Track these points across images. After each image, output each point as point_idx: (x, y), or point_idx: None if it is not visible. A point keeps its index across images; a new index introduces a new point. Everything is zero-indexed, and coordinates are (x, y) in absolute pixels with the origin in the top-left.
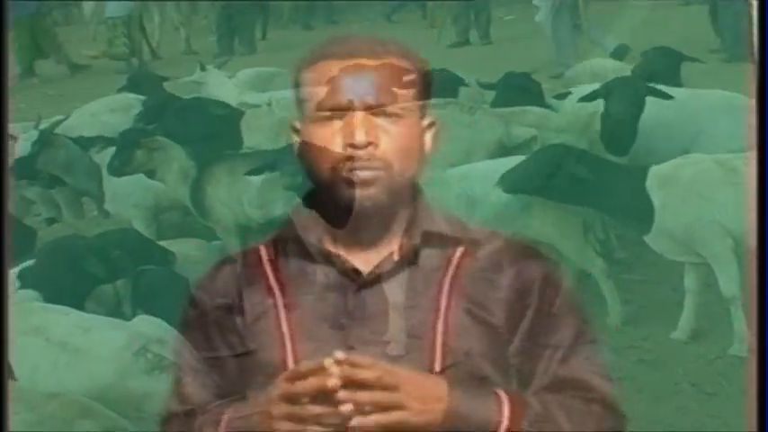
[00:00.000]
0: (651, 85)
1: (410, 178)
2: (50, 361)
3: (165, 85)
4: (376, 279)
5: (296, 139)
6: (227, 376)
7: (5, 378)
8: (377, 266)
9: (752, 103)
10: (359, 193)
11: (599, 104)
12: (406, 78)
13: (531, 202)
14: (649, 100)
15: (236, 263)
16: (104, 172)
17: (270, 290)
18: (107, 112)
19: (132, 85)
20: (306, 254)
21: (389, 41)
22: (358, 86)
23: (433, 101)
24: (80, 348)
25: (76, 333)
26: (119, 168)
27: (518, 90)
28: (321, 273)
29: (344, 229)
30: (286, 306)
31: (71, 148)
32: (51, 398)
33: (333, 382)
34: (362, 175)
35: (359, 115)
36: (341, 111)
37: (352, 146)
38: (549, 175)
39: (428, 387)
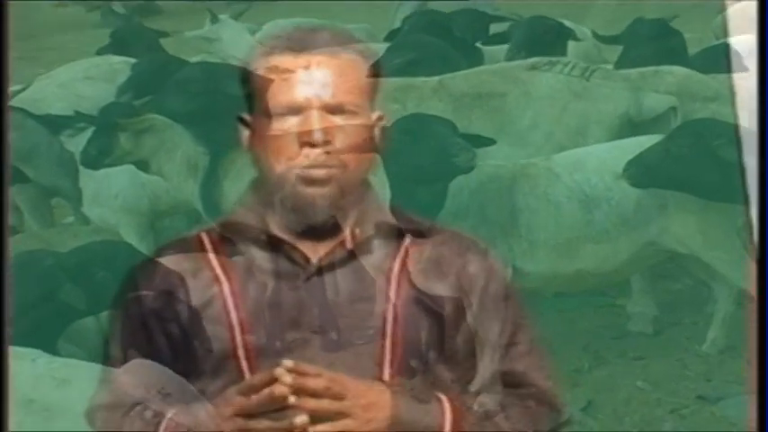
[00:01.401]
0: None
1: (362, 175)
2: (12, 425)
3: (163, 42)
4: (326, 267)
5: (245, 132)
6: (163, 367)
7: (5, 378)
8: (327, 255)
9: None
10: (313, 191)
11: None
12: (361, 74)
13: (667, 200)
14: None
15: (176, 249)
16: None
17: (215, 277)
18: (83, 80)
19: (117, 44)
20: (254, 241)
21: (342, 33)
22: (315, 83)
23: (532, 61)
24: (51, 407)
25: (47, 385)
26: (96, 158)
27: (651, 43)
28: (269, 261)
29: (294, 220)
30: (233, 294)
31: (33, 130)
32: None
33: (281, 389)
34: (318, 173)
35: (315, 113)
36: (297, 108)
37: (309, 144)
38: (693, 163)
39: (373, 395)
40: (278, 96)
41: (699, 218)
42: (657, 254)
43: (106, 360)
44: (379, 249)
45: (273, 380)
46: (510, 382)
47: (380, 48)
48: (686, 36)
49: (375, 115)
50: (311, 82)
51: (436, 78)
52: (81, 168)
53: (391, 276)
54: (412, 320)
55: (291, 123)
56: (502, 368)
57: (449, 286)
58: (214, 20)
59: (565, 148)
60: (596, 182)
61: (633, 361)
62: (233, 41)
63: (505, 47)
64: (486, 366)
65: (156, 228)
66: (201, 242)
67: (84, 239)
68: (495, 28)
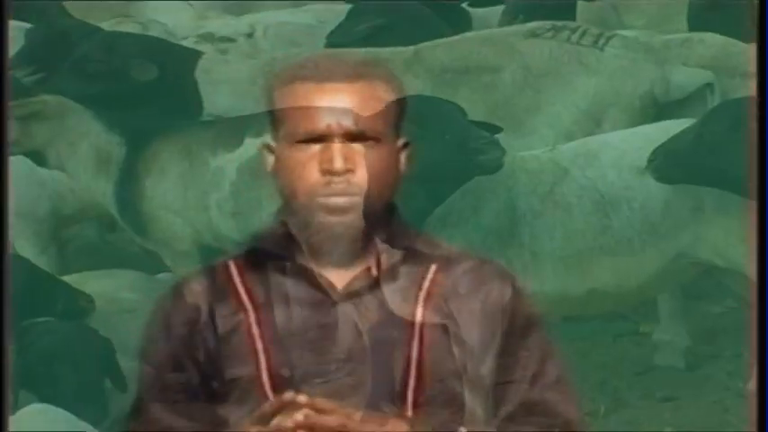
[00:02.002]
0: None
1: (386, 201)
2: None
3: (71, 5)
4: (352, 295)
5: (270, 158)
6: (194, 396)
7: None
8: (352, 282)
9: None
10: (335, 220)
11: None
12: (383, 101)
13: (703, 200)
14: None
15: (204, 276)
16: None
17: (241, 305)
18: None
19: (10, 6)
20: (279, 269)
21: (363, 63)
22: (336, 111)
23: (532, 26)
24: None
25: None
26: None
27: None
28: (295, 288)
29: (319, 247)
30: (258, 321)
31: None
32: None
33: (293, 421)
34: (339, 202)
35: (336, 141)
36: (318, 135)
37: (330, 172)
38: (732, 152)
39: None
40: (299, 124)
41: (742, 222)
42: (691, 268)
43: (140, 388)
44: (405, 276)
45: (284, 406)
46: (537, 411)
47: (340, 10)
48: None
49: (401, 141)
50: (332, 110)
51: (411, 48)
52: None
53: (417, 304)
54: (438, 349)
55: (313, 152)
56: (529, 398)
57: (476, 315)
58: None
59: (574, 137)
60: (614, 179)
61: (661, 403)
62: (156, 3)
63: (499, 9)
64: (512, 396)
65: (61, 237)
66: (228, 270)
67: None
68: None
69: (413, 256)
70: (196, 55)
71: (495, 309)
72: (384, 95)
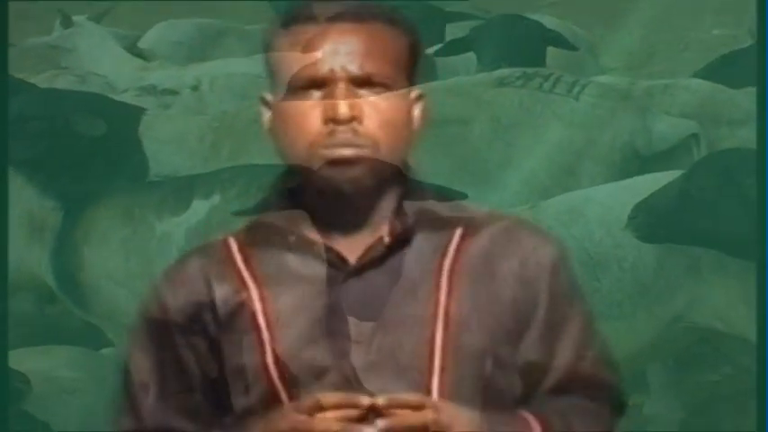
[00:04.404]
0: None
1: (398, 157)
2: None
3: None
4: (364, 267)
5: (267, 114)
6: (191, 386)
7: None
8: (365, 253)
9: None
10: (340, 174)
11: None
12: (394, 45)
13: (699, 259)
14: None
15: (202, 255)
16: None
17: (243, 284)
18: None
19: None
20: (282, 242)
21: (375, 3)
22: (340, 54)
23: (499, 74)
24: None
25: None
26: None
27: (661, 47)
28: (301, 263)
29: (325, 214)
30: (262, 302)
31: None
32: None
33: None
34: (344, 153)
35: (341, 86)
36: (320, 81)
37: (334, 121)
38: (720, 208)
39: (467, 423)
40: (299, 70)
41: (743, 283)
42: (687, 334)
43: (127, 378)
44: (424, 243)
45: (349, 404)
46: (584, 385)
47: None
48: (714, 33)
49: (414, 93)
50: (336, 52)
51: (371, 99)
52: None
53: (441, 275)
54: (467, 323)
55: (314, 99)
56: (576, 371)
57: (510, 285)
58: (66, 23)
59: (550, 193)
60: (601, 237)
61: None
62: (93, 52)
63: (466, 57)
64: (557, 368)
65: None
66: (228, 247)
67: None
68: (453, 31)
69: (434, 221)
70: (138, 111)
71: (533, 277)
72: (396, 40)
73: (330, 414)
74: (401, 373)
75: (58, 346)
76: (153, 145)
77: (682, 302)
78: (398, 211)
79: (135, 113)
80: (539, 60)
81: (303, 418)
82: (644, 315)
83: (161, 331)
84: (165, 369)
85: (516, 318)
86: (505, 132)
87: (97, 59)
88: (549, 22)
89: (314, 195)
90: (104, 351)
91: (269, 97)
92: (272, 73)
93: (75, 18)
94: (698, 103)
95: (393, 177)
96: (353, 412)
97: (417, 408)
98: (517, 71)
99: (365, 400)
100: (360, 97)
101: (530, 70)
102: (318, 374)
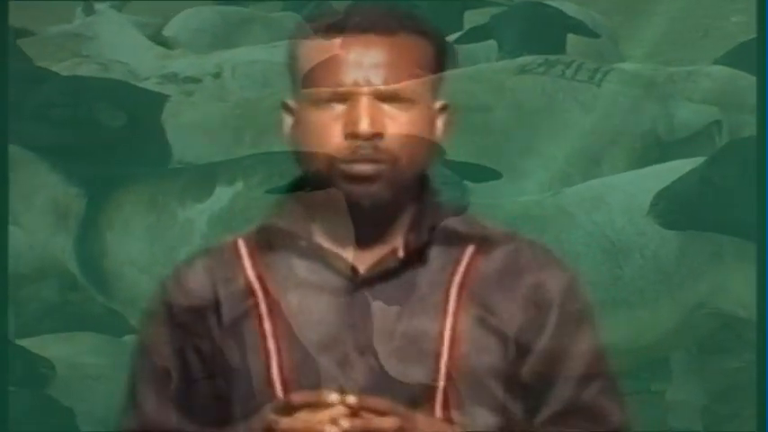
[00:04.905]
0: None
1: (418, 172)
2: None
3: (22, 44)
4: (375, 279)
5: (288, 120)
6: (196, 391)
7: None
8: (376, 264)
9: None
10: (359, 189)
11: None
12: (421, 57)
13: (722, 246)
14: None
15: (210, 257)
16: None
17: (250, 289)
18: None
19: None
20: (293, 249)
21: (403, 12)
22: (364, 65)
23: (522, 61)
24: None
25: None
26: None
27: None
28: (310, 271)
29: (339, 223)
30: (269, 308)
31: None
32: None
33: (341, 429)
34: (364, 169)
35: (364, 100)
36: (343, 94)
37: (355, 135)
38: (740, 196)
39: None
40: (322, 80)
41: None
42: (709, 320)
43: (132, 378)
44: (436, 259)
45: (320, 403)
46: (586, 416)
47: None
48: (733, 20)
49: (438, 104)
50: (360, 64)
51: (394, 114)
52: None
53: (450, 290)
54: (472, 342)
55: (337, 112)
56: (578, 400)
57: (519, 305)
58: (88, 10)
59: (571, 180)
60: (623, 224)
61: None
62: (115, 40)
63: (486, 44)
64: (559, 397)
65: (18, 298)
66: (237, 249)
67: None
68: (471, 18)
69: (447, 236)
70: (162, 98)
71: (543, 300)
72: (423, 52)
73: (303, 414)
74: (407, 388)
75: (82, 333)
76: (176, 132)
77: (704, 289)
78: (414, 226)
79: (158, 100)
80: (559, 48)
81: (273, 417)
82: (666, 302)
83: (166, 332)
84: (168, 370)
85: (522, 339)
86: (527, 119)
87: (119, 47)
88: (569, 9)
89: (329, 207)
90: (127, 338)
91: (292, 104)
92: (295, 80)
93: (96, 6)
94: (720, 90)
95: (411, 190)
96: (338, 410)
97: (383, 414)
98: (539, 58)
99: (333, 398)
100: (383, 112)
101: (552, 57)
102: (323, 385)
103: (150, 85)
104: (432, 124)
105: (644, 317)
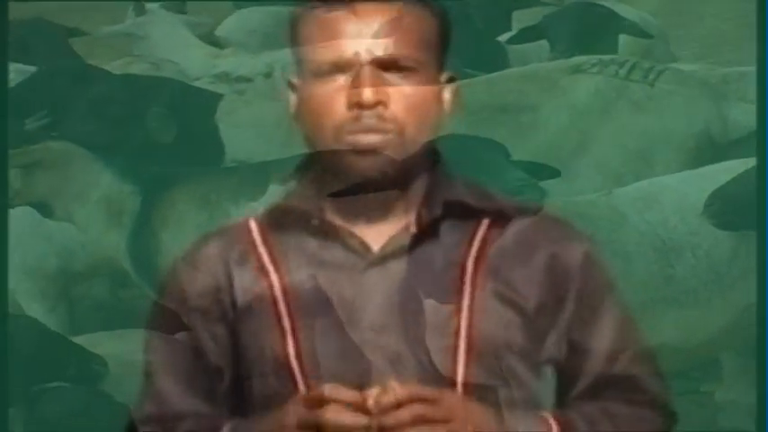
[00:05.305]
0: None
1: (425, 143)
2: None
3: (73, 43)
4: (388, 256)
5: (293, 98)
6: (212, 374)
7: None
8: (389, 241)
9: None
10: (366, 162)
11: None
12: (423, 27)
13: None
14: None
15: (222, 237)
16: None
17: (263, 269)
18: None
19: (12, 45)
20: (304, 228)
21: None
22: (365, 36)
23: (575, 61)
24: None
25: None
26: None
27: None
28: (323, 249)
29: (349, 201)
30: (283, 288)
31: None
32: None
33: (397, 418)
34: (370, 140)
35: (366, 70)
36: (345, 64)
37: (359, 106)
38: None
39: (477, 417)
40: (324, 52)
41: None
42: (761, 321)
43: (147, 363)
44: (450, 233)
45: (355, 399)
46: (622, 387)
47: None
48: None
49: (444, 76)
50: (361, 33)
51: (397, 83)
52: None
53: (466, 265)
54: (490, 318)
55: (339, 84)
56: (611, 372)
57: (537, 278)
58: (139, 11)
59: (624, 180)
60: (676, 223)
61: None
62: (166, 40)
63: (538, 44)
64: (589, 371)
65: (71, 296)
66: (249, 229)
67: None
68: (520, 18)
69: (460, 210)
70: (216, 98)
71: (562, 272)
72: (425, 23)
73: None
74: (424, 365)
75: (134, 330)
76: (230, 130)
77: (756, 289)
78: (426, 201)
79: (212, 99)
80: (612, 48)
81: (308, 411)
82: (718, 302)
83: (179, 315)
84: (184, 353)
85: (542, 313)
86: (580, 119)
87: (170, 47)
88: (620, 9)
89: (339, 181)
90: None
91: (295, 80)
92: (297, 55)
93: (147, 6)
94: None
95: (421, 165)
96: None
97: (432, 402)
98: (593, 58)
99: (370, 397)
100: (386, 81)
101: (605, 57)
102: (339, 365)
103: (202, 84)
104: (437, 94)
105: (695, 317)
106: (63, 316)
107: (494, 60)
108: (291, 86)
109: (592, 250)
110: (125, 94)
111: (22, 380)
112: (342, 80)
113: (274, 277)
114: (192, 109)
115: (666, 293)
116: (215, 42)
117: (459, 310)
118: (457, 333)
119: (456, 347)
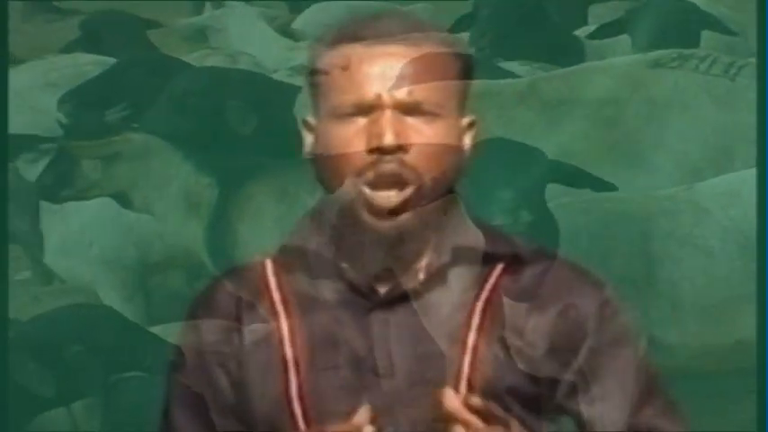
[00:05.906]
0: None
1: (445, 188)
2: None
3: (151, 35)
4: (395, 300)
5: (309, 138)
6: (226, 412)
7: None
8: (396, 285)
9: None
10: (382, 224)
11: None
12: (446, 69)
13: None
14: None
15: (238, 276)
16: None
17: (273, 310)
18: (42, 87)
19: (89, 37)
20: (315, 269)
21: (427, 22)
22: (387, 79)
23: (655, 55)
24: None
25: None
26: (52, 189)
27: None
28: (331, 291)
29: (360, 244)
30: (290, 328)
31: None
32: None
33: None
34: (388, 199)
35: (387, 114)
36: (366, 107)
37: (379, 150)
38: None
39: None
40: (344, 94)
41: None
42: None
43: (168, 402)
44: (461, 278)
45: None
46: None
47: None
48: None
49: (466, 120)
50: (383, 76)
51: (525, 80)
52: (42, 204)
53: (474, 312)
54: (494, 364)
55: (359, 126)
56: (633, 425)
57: (548, 327)
58: (216, 4)
59: (703, 175)
60: (755, 218)
61: None
62: (243, 33)
63: (618, 38)
64: (608, 422)
65: (147, 286)
66: (264, 269)
67: (50, 304)
68: (596, 12)
69: (473, 256)
70: (294, 90)
71: (576, 322)
72: (448, 65)
73: None
74: (426, 411)
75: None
76: None
77: None
78: (438, 247)
79: (290, 92)
80: (693, 42)
81: None
82: None
83: (197, 353)
84: (201, 395)
85: (552, 363)
86: (660, 113)
87: (247, 39)
88: (703, 3)
89: (353, 234)
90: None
91: (312, 121)
92: (315, 94)
93: None
94: None
95: (436, 213)
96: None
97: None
98: (673, 52)
99: (368, 430)
100: (407, 125)
101: (686, 51)
102: (341, 407)
103: (279, 77)
104: (458, 139)
105: None
106: (140, 306)
107: (570, 54)
108: (308, 126)
109: (609, 298)
110: (205, 87)
111: (99, 369)
112: (362, 123)
113: (283, 320)
114: (270, 101)
115: (750, 289)
116: (291, 35)
117: (462, 355)
118: (459, 377)
119: (458, 392)
